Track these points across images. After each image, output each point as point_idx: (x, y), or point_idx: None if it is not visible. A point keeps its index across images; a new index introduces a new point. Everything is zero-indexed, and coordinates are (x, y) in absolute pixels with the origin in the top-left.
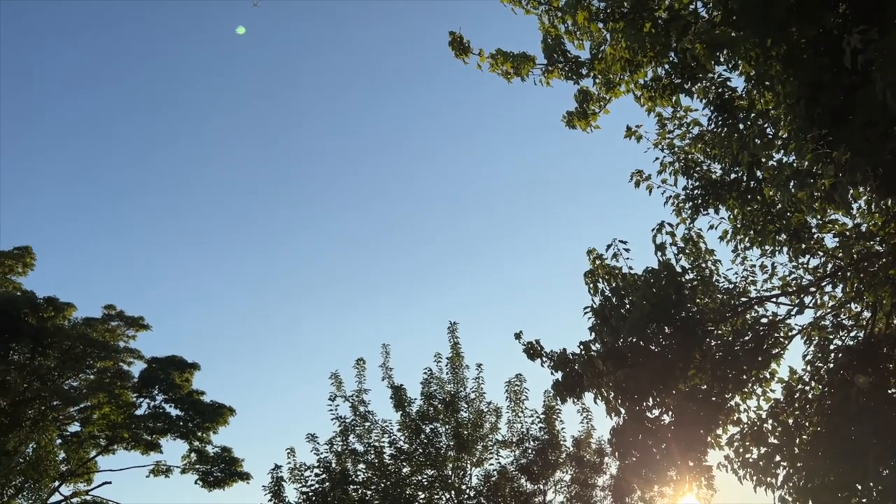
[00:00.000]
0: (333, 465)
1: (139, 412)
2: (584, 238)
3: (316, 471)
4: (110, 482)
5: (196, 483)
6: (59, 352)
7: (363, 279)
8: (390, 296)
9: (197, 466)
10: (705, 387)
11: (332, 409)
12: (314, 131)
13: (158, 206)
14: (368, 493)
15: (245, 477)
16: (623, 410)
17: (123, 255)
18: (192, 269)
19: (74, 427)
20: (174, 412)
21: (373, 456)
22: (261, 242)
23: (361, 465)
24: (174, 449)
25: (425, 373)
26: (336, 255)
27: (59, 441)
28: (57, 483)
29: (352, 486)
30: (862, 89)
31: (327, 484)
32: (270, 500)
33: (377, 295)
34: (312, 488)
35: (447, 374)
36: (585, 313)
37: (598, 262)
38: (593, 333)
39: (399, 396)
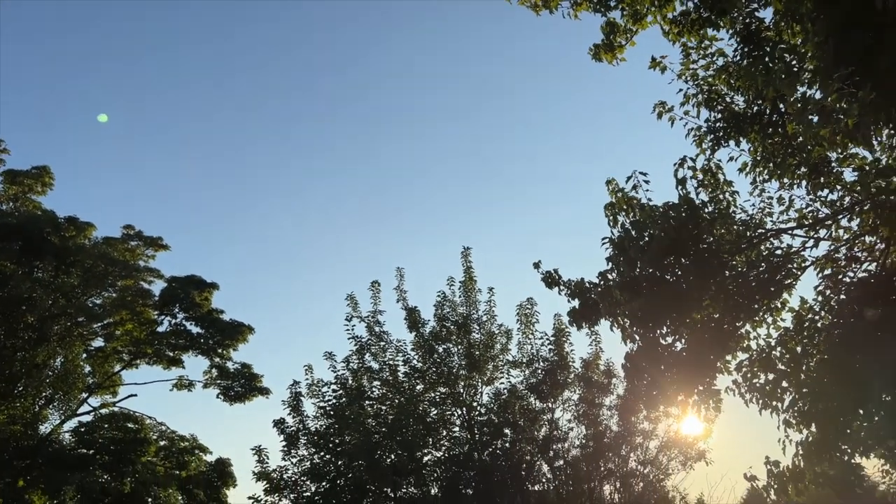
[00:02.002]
0: (350, 382)
1: (161, 329)
2: (605, 170)
3: (333, 387)
4: (136, 395)
5: (218, 397)
6: (82, 270)
7: (380, 203)
8: (407, 220)
9: (218, 381)
10: (718, 315)
11: (348, 329)
12: (334, 55)
13: (172, 129)
14: (383, 408)
15: (265, 392)
16: (637, 337)
17: (137, 175)
18: (213, 190)
19: (99, 342)
20: (195, 330)
21: (387, 374)
22: (278, 163)
23: (377, 382)
24: (196, 365)
25: (438, 296)
26: (355, 177)
27: (84, 356)
28: (85, 395)
29: (367, 402)
30: (892, 29)
31: (344, 399)
32: (290, 414)
33: (394, 218)
34: (330, 403)
35: (460, 297)
36: (603, 244)
37: (617, 193)
38: (611, 264)
39: (413, 318)
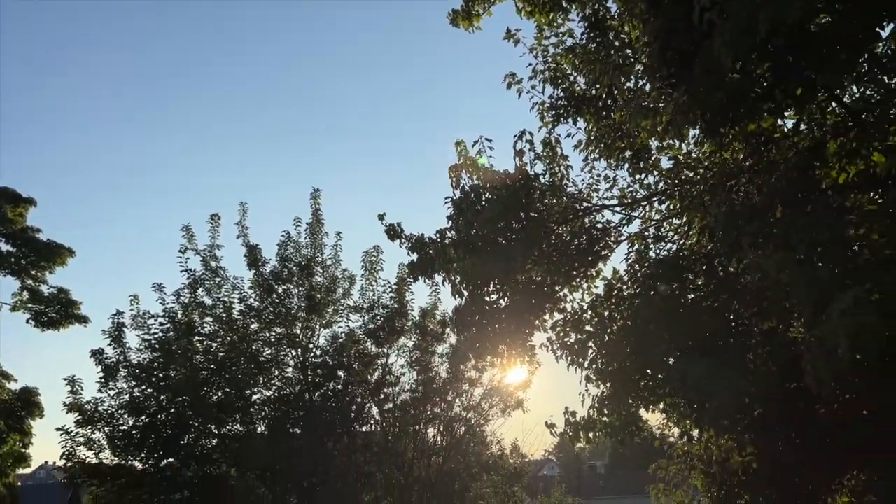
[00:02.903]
0: (179, 316)
1: None
2: (455, 132)
3: (161, 320)
4: None
5: (28, 322)
6: None
7: (226, 136)
8: (252, 155)
9: (29, 305)
10: (539, 278)
11: (181, 262)
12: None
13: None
14: (214, 344)
15: (83, 320)
16: (466, 293)
17: None
18: (39, 98)
19: None
20: (4, 247)
21: (221, 310)
22: (122, 84)
23: (208, 319)
24: (4, 285)
25: (283, 236)
26: (204, 102)
27: None
28: None
29: (197, 338)
30: (707, 40)
31: (172, 333)
32: (111, 345)
33: (240, 150)
34: (156, 336)
35: (306, 238)
36: (445, 203)
37: (463, 155)
38: (450, 222)
39: (253, 255)
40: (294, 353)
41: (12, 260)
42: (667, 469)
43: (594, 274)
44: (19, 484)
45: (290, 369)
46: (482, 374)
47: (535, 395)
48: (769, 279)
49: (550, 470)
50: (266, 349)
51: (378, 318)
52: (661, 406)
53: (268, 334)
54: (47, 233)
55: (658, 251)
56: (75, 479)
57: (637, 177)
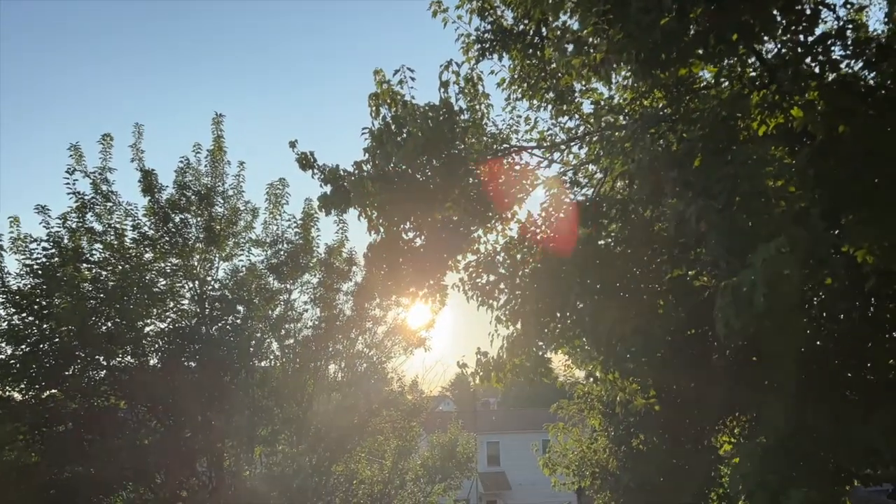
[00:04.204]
0: (66, 242)
1: None
2: (376, 61)
3: (45, 244)
4: None
5: None
6: None
7: (126, 48)
8: (151, 74)
9: None
10: (456, 218)
11: (69, 184)
12: None
13: None
14: (104, 273)
15: None
16: (382, 230)
17: None
18: None
19: None
20: None
21: (112, 237)
22: None
23: (98, 245)
24: None
25: (181, 162)
26: (103, 11)
27: None
28: None
29: (85, 265)
30: None
31: (56, 259)
32: None
33: (141, 66)
34: (38, 262)
35: (206, 166)
36: (363, 134)
37: (384, 85)
38: (367, 155)
39: (149, 181)
40: (191, 286)
41: None
42: (567, 409)
43: (509, 216)
44: None
45: (185, 302)
46: (386, 313)
47: (436, 335)
48: (685, 227)
49: (446, 406)
50: (161, 280)
51: (282, 253)
52: (566, 349)
53: (163, 264)
54: None
55: (575, 195)
56: None
57: (558, 119)
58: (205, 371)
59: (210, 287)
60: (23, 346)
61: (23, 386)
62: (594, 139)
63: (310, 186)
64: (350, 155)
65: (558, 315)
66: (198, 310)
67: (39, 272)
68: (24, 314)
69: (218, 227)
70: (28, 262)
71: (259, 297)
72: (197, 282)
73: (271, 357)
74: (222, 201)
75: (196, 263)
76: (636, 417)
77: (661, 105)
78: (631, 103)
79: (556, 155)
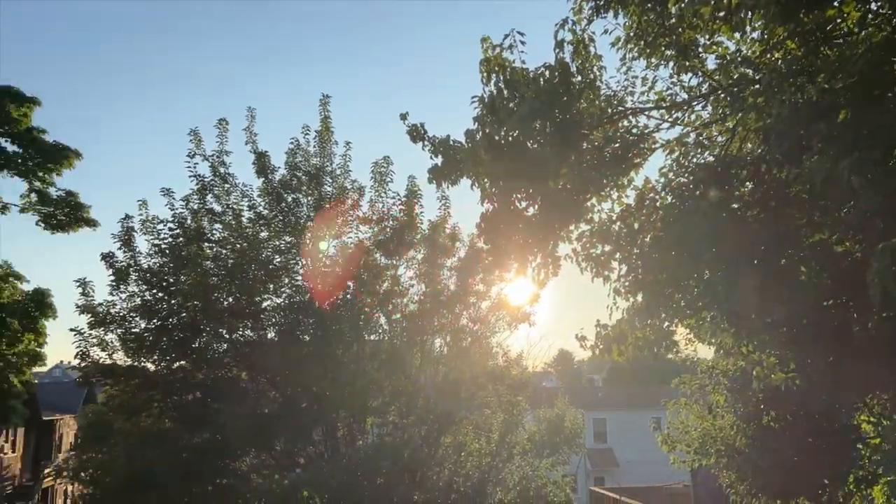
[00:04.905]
0: (189, 222)
1: None
2: (482, 28)
3: (170, 225)
4: None
5: (38, 224)
6: None
7: (236, 42)
8: (263, 58)
9: (38, 207)
10: (570, 186)
11: (190, 167)
12: None
13: None
14: (224, 251)
15: (92, 223)
16: (495, 199)
17: None
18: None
19: None
20: (11, 147)
21: (230, 217)
22: None
23: (218, 225)
24: (11, 187)
25: (292, 143)
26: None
27: None
28: None
29: (206, 244)
30: None
31: (181, 239)
32: (121, 249)
33: (250, 57)
34: (166, 241)
35: (314, 147)
36: (472, 103)
37: (492, 51)
38: (477, 124)
39: (262, 163)
40: (304, 262)
41: (18, 161)
42: (689, 384)
43: (625, 183)
44: (36, 381)
45: (299, 278)
46: (490, 288)
47: (538, 311)
48: (833, 185)
49: (550, 382)
50: (276, 257)
51: (387, 229)
52: (692, 320)
53: (277, 242)
54: (53, 137)
55: (698, 158)
56: (89, 379)
57: (679, 78)
58: (319, 344)
59: (322, 264)
60: (154, 321)
61: (155, 357)
62: (720, 96)
63: (412, 165)
64: (456, 130)
65: (683, 285)
66: (311, 286)
67: (167, 251)
68: (154, 290)
69: (327, 205)
70: (156, 242)
71: (367, 273)
72: (309, 259)
73: (380, 331)
74: (330, 180)
75: (308, 241)
76: (765, 394)
77: (798, 55)
78: (761, 56)
79: (678, 115)
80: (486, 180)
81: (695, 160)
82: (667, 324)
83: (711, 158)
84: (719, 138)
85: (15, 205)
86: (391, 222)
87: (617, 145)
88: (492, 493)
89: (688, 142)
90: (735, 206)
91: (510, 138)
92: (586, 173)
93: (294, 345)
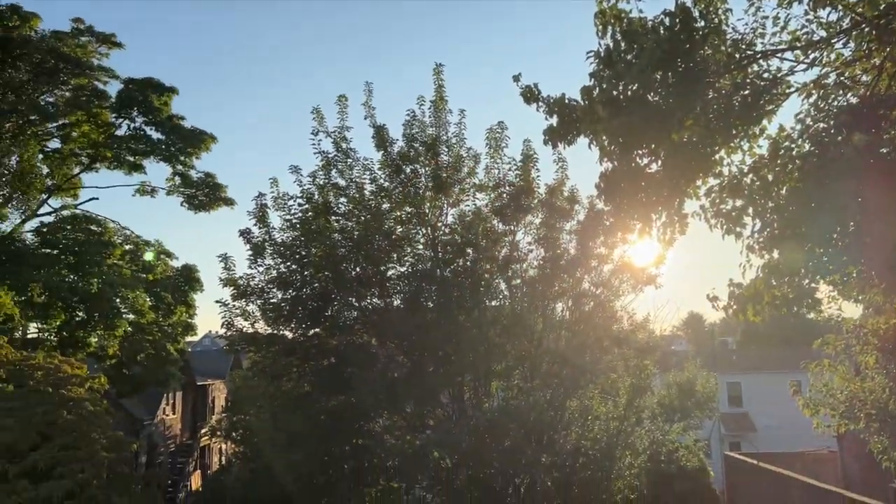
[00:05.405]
0: (316, 197)
1: (119, 133)
2: None
3: (299, 201)
4: (97, 198)
5: (182, 205)
6: (30, 65)
7: (349, 19)
8: (376, 34)
9: (181, 189)
10: (696, 139)
11: (314, 144)
12: None
13: None
14: (349, 224)
15: (229, 202)
16: (615, 157)
17: None
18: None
19: (55, 144)
20: (155, 135)
21: (354, 191)
22: None
23: (343, 199)
24: (158, 171)
25: (408, 114)
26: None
27: (41, 156)
28: (44, 196)
29: (333, 217)
30: None
31: (310, 213)
32: (256, 225)
33: (364, 31)
34: (296, 216)
35: (430, 117)
36: (588, 58)
37: (607, 2)
38: (593, 80)
39: (381, 136)
40: (424, 231)
41: (162, 147)
42: (834, 344)
43: (757, 132)
44: (189, 349)
45: (420, 247)
46: (612, 251)
47: (665, 273)
48: None
49: (679, 345)
50: (398, 227)
51: (504, 195)
52: (837, 276)
53: (399, 213)
54: (189, 121)
55: (839, 101)
56: (235, 346)
57: (816, 14)
58: (442, 310)
59: (441, 232)
60: (290, 291)
61: (292, 325)
62: (864, 30)
63: (525, 128)
64: (571, 90)
65: (826, 238)
66: (431, 254)
67: (297, 225)
68: (288, 263)
69: (444, 175)
70: (287, 217)
71: (486, 240)
72: (429, 227)
73: (501, 297)
74: (446, 150)
75: (427, 210)
76: None
77: None
78: None
79: (814, 56)
80: (604, 138)
81: (836, 103)
82: (807, 281)
83: (855, 100)
84: (864, 77)
85: (162, 188)
86: (507, 188)
87: (746, 92)
88: (621, 457)
89: (827, 83)
90: (884, 150)
91: (629, 92)
92: (713, 124)
93: (418, 311)
